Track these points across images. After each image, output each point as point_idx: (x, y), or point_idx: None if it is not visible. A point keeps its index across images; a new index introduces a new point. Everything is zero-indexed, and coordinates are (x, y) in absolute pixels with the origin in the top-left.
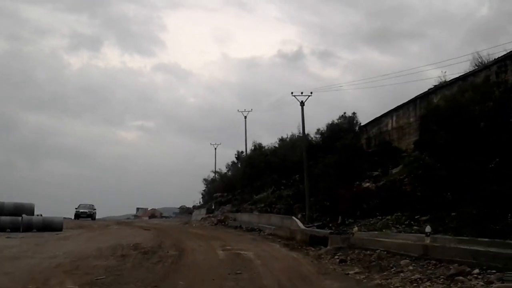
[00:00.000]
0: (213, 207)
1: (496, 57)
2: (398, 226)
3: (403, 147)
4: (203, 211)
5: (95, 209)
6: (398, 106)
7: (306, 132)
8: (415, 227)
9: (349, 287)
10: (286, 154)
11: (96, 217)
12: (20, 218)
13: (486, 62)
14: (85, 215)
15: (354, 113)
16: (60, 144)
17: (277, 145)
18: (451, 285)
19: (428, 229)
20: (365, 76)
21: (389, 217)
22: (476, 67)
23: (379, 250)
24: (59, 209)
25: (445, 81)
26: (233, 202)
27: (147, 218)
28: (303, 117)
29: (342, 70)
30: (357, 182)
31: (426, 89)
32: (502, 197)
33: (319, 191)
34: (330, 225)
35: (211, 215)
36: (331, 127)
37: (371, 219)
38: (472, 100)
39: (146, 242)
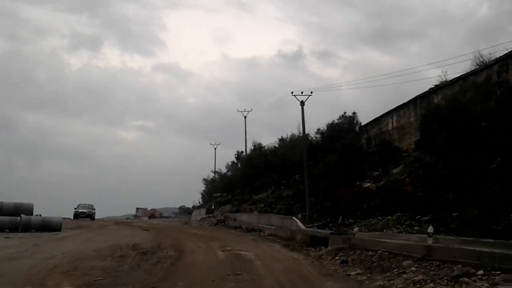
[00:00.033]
0: (212, 207)
1: (497, 56)
2: (398, 226)
3: (404, 147)
4: (203, 211)
5: (94, 209)
6: (398, 106)
7: (306, 132)
8: (416, 228)
9: None
10: (286, 154)
11: (96, 217)
12: (19, 218)
13: (487, 62)
14: (84, 215)
15: (354, 113)
16: (60, 144)
17: (277, 145)
18: (455, 286)
19: (430, 229)
20: (365, 76)
21: (389, 217)
22: (477, 67)
23: (380, 251)
24: (59, 209)
25: (445, 81)
26: (232, 202)
27: (146, 218)
28: (303, 117)
29: (342, 70)
30: (358, 182)
31: (427, 89)
32: (503, 198)
33: (319, 191)
34: (331, 225)
35: (210, 215)
36: (331, 127)
37: (371, 219)
38: (473, 99)
39: (145, 243)
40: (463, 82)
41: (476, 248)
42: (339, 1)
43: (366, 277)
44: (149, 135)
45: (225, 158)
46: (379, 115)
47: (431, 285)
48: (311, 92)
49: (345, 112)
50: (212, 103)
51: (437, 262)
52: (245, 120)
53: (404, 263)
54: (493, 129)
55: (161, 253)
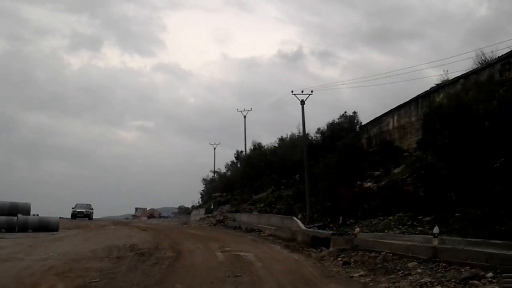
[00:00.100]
0: (212, 207)
1: (499, 55)
2: (400, 227)
3: (405, 147)
4: (202, 211)
5: (92, 209)
6: (399, 105)
7: (306, 132)
8: (418, 228)
9: None
10: (286, 154)
11: (94, 217)
12: (15, 218)
13: (489, 60)
14: (82, 215)
15: (354, 112)
16: (60, 144)
17: (276, 145)
18: None
19: (436, 230)
20: (365, 76)
21: (391, 217)
22: (479, 65)
23: (384, 252)
24: (59, 209)
25: (447, 80)
26: (232, 202)
27: (145, 218)
28: (303, 116)
29: (342, 70)
30: (358, 182)
31: (427, 88)
32: (506, 198)
33: (320, 191)
34: (331, 225)
35: (210, 215)
36: (332, 126)
37: (372, 220)
38: (476, 98)
39: (143, 243)
40: (465, 81)
41: (484, 250)
42: (339, 1)
43: (370, 279)
44: (149, 135)
45: (225, 158)
46: (379, 114)
47: (439, 287)
48: (312, 91)
49: (345, 112)
50: (212, 103)
51: (444, 264)
52: (245, 120)
53: (409, 264)
54: (496, 128)
55: (159, 254)
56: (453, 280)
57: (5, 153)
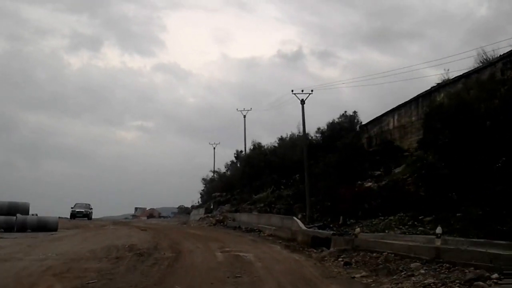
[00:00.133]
0: (211, 207)
1: (501, 54)
2: (401, 226)
3: (405, 146)
4: (202, 211)
5: (91, 209)
6: (400, 105)
7: (306, 131)
8: (420, 228)
9: None
10: (286, 154)
11: (94, 217)
12: (14, 218)
13: (490, 59)
14: (81, 215)
15: (355, 112)
16: (60, 144)
17: (276, 145)
18: None
19: (439, 230)
20: (365, 76)
21: (391, 217)
22: (481, 64)
23: (386, 253)
24: (59, 209)
25: (448, 79)
26: (232, 202)
27: (145, 218)
28: (303, 116)
29: (342, 70)
30: (359, 182)
31: (427, 88)
32: (508, 198)
33: (320, 190)
34: (331, 225)
35: (209, 215)
36: (332, 126)
37: (373, 220)
38: (477, 97)
39: (142, 243)
40: (466, 80)
41: (488, 250)
42: (339, 1)
43: (371, 280)
44: (149, 135)
45: (225, 158)
46: (379, 114)
47: None
48: (312, 91)
49: (345, 111)
50: (211, 103)
51: (447, 265)
52: (245, 120)
53: (412, 265)
54: (497, 128)
55: (158, 254)
56: (457, 281)
57: (5, 153)
